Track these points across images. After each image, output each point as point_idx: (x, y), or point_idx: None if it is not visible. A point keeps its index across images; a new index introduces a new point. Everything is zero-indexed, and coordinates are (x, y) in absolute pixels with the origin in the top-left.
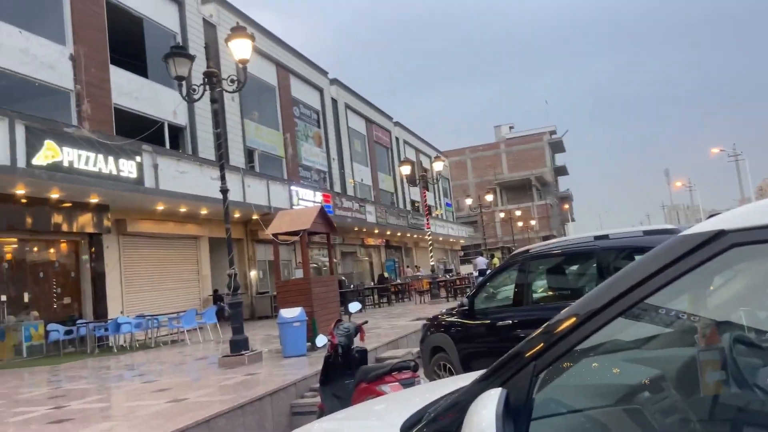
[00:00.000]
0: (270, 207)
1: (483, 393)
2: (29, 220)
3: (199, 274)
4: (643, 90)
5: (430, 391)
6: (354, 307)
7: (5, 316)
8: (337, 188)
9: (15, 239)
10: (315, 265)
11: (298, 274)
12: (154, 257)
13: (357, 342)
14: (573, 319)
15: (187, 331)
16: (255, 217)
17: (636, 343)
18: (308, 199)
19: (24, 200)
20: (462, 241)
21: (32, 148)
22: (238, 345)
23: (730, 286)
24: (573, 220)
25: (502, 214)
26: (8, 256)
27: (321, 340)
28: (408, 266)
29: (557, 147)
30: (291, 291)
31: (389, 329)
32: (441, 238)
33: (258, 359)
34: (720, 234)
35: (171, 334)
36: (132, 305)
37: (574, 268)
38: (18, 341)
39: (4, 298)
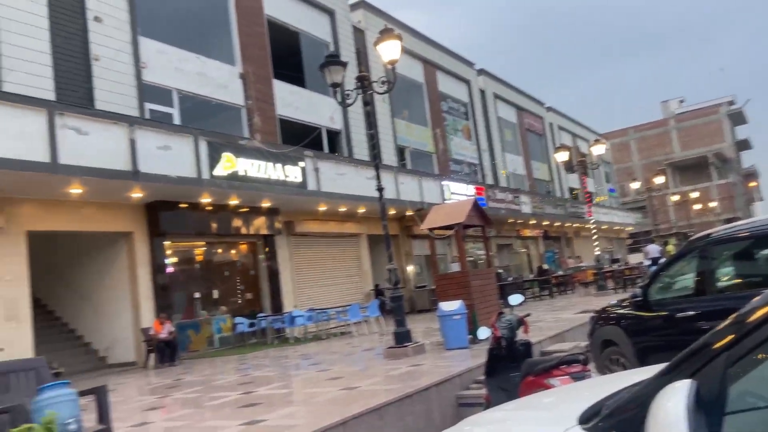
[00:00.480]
0: (423, 202)
1: (669, 385)
2: (214, 225)
3: (360, 269)
4: None
5: (605, 384)
6: (515, 299)
7: (199, 312)
8: (489, 180)
9: (203, 243)
10: (471, 259)
11: (454, 267)
12: (320, 255)
13: (520, 335)
14: None
15: (353, 323)
16: (409, 213)
17: None
18: (460, 193)
19: (209, 207)
20: (629, 228)
21: (213, 161)
22: (402, 337)
23: None
24: (761, 199)
25: (675, 197)
26: (198, 258)
27: (483, 332)
28: (569, 257)
29: (738, 119)
30: (450, 284)
31: (553, 322)
32: (605, 226)
33: (421, 351)
34: None
35: (338, 326)
36: (302, 300)
37: (766, 252)
38: (210, 333)
39: (198, 295)
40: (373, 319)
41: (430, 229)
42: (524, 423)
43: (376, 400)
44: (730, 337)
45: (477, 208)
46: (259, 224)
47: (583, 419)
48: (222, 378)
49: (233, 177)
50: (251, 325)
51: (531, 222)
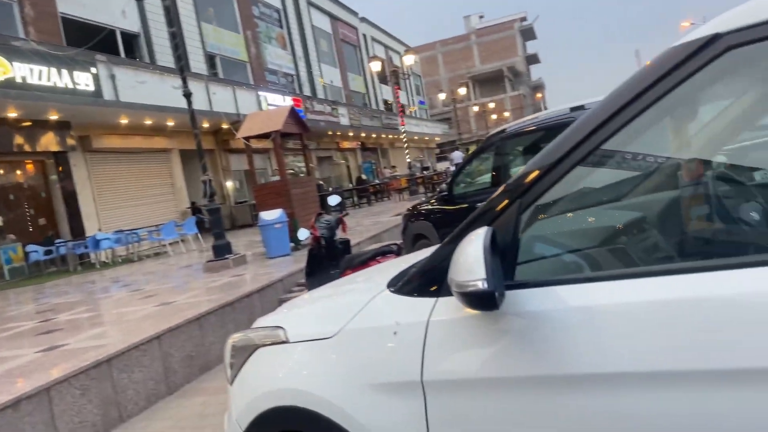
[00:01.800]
0: (239, 114)
1: (469, 233)
2: None
3: (174, 187)
4: None
5: (415, 258)
6: (333, 200)
7: None
8: (307, 91)
9: None
10: (291, 171)
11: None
12: (126, 173)
13: (339, 234)
14: (570, 142)
15: (169, 243)
16: (225, 125)
17: (619, 188)
18: (278, 104)
19: None
20: (437, 139)
21: None
22: (221, 249)
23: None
24: (546, 108)
25: (476, 108)
26: None
27: (303, 233)
28: (385, 167)
29: (528, 34)
30: (269, 194)
31: (371, 225)
32: (416, 137)
33: (242, 262)
34: (714, 38)
35: (153, 247)
36: (109, 222)
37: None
38: None
39: None
40: (190, 237)
41: (246, 138)
42: (339, 295)
43: (195, 311)
44: (523, 187)
45: (294, 115)
46: (48, 140)
47: (391, 284)
48: (15, 309)
49: (9, 84)
50: (48, 252)
51: (349, 134)
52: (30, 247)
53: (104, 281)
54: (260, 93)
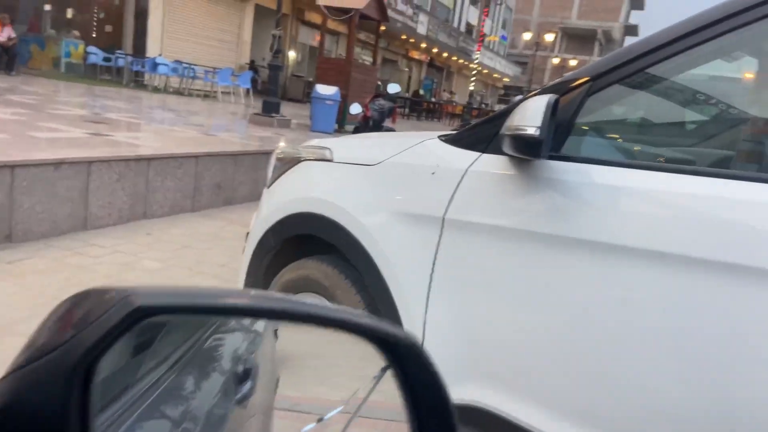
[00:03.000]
0: None
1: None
2: None
3: (240, 38)
4: None
5: None
6: (393, 87)
7: (47, 28)
8: None
9: None
10: (357, 61)
11: None
12: (199, 9)
13: (388, 123)
14: (653, 43)
15: (221, 89)
16: None
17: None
18: None
19: None
20: (506, 80)
21: None
22: (270, 107)
23: None
24: None
25: (556, 60)
26: None
27: (355, 108)
28: (445, 90)
29: (636, 3)
30: (331, 70)
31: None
32: (486, 71)
33: (286, 125)
34: None
35: (204, 89)
36: (171, 50)
37: None
38: (57, 55)
39: (48, 8)
40: (242, 91)
41: (327, 7)
42: (389, 137)
43: (233, 147)
44: (598, 72)
45: (379, 0)
46: None
47: (443, 136)
48: (67, 98)
49: None
50: (107, 59)
51: (422, 45)
52: (91, 49)
53: (153, 101)
54: None
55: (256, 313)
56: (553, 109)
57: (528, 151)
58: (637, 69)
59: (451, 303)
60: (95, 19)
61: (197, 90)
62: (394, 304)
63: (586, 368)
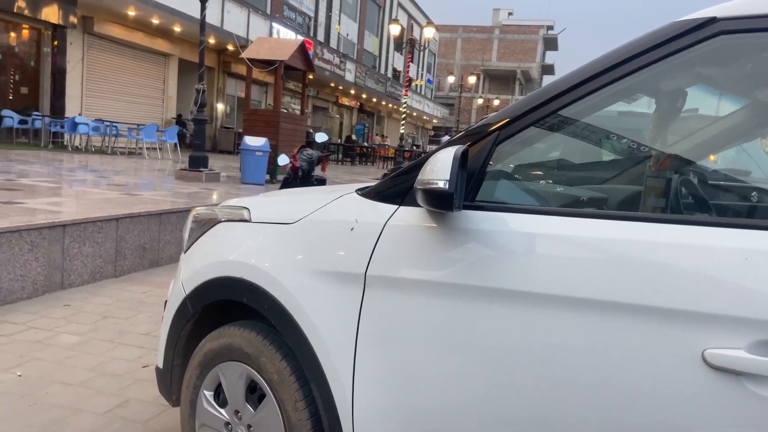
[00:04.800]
0: (247, 39)
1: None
2: None
3: (165, 94)
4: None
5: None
6: (321, 137)
7: None
8: (321, 37)
9: None
10: (285, 111)
11: None
12: (121, 66)
13: (318, 171)
14: (555, 90)
15: (147, 146)
16: (231, 48)
17: (587, 154)
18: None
19: None
20: (435, 121)
21: None
22: (198, 161)
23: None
24: None
25: (480, 101)
26: None
27: (283, 159)
28: (377, 134)
29: (551, 44)
30: (259, 121)
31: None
32: (415, 114)
33: (215, 179)
34: (711, 21)
35: (129, 146)
36: (92, 110)
37: None
38: None
39: None
40: (169, 146)
41: (251, 61)
42: (306, 193)
43: (159, 207)
44: (505, 121)
45: (303, 51)
46: (51, 11)
47: (360, 189)
48: None
49: None
50: (22, 122)
51: (351, 91)
52: (5, 112)
53: (73, 163)
54: (274, 24)
55: None
56: (461, 161)
57: (440, 205)
58: (542, 115)
59: (378, 362)
60: (11, 81)
61: (121, 148)
62: (321, 368)
63: (516, 418)
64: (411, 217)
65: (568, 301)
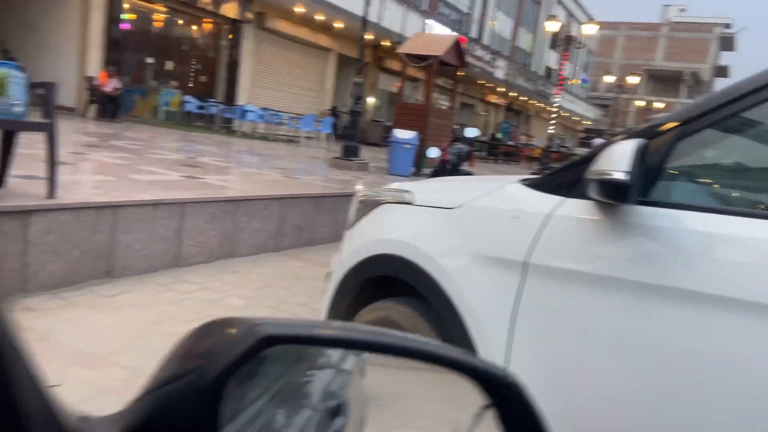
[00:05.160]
0: (401, 36)
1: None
2: None
3: (323, 86)
4: None
5: None
6: (472, 131)
7: (149, 80)
8: (474, 34)
9: (165, 7)
10: (435, 106)
11: None
12: (286, 58)
13: (466, 166)
14: (745, 88)
15: (304, 134)
16: (386, 43)
17: None
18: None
19: None
20: (587, 122)
21: None
22: (350, 151)
23: None
24: None
25: (641, 103)
26: (157, 24)
27: (433, 152)
28: (523, 133)
29: (726, 44)
30: (409, 115)
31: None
32: (566, 113)
33: (364, 169)
34: None
35: (288, 133)
36: (258, 98)
37: None
38: (157, 103)
39: (150, 61)
40: (323, 135)
41: (406, 55)
42: (469, 181)
43: (315, 190)
44: (688, 118)
45: (457, 47)
46: (230, 7)
47: (525, 179)
48: (164, 143)
49: None
50: (200, 107)
51: (499, 89)
52: (187, 98)
53: (241, 146)
54: (427, 21)
55: (372, 347)
56: (642, 154)
57: (616, 196)
58: (729, 113)
59: (534, 350)
60: (192, 70)
61: (282, 135)
62: (474, 347)
63: (676, 426)
64: (579, 209)
65: (745, 305)
